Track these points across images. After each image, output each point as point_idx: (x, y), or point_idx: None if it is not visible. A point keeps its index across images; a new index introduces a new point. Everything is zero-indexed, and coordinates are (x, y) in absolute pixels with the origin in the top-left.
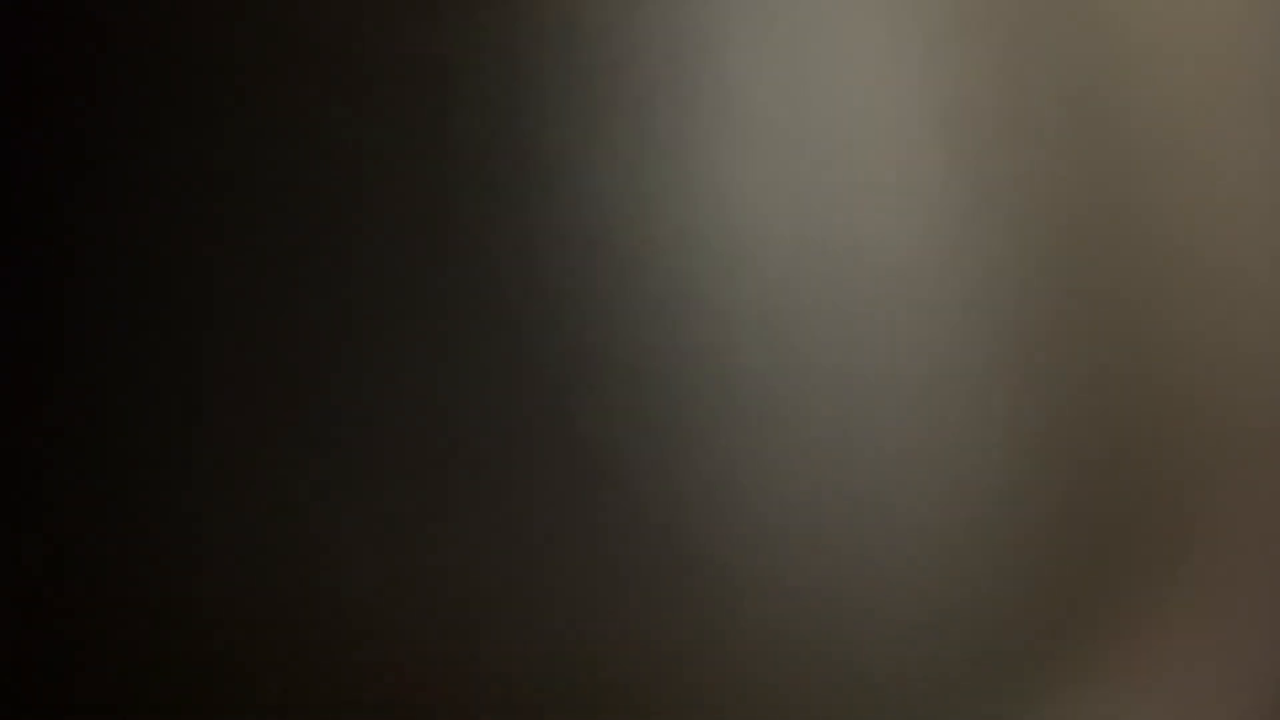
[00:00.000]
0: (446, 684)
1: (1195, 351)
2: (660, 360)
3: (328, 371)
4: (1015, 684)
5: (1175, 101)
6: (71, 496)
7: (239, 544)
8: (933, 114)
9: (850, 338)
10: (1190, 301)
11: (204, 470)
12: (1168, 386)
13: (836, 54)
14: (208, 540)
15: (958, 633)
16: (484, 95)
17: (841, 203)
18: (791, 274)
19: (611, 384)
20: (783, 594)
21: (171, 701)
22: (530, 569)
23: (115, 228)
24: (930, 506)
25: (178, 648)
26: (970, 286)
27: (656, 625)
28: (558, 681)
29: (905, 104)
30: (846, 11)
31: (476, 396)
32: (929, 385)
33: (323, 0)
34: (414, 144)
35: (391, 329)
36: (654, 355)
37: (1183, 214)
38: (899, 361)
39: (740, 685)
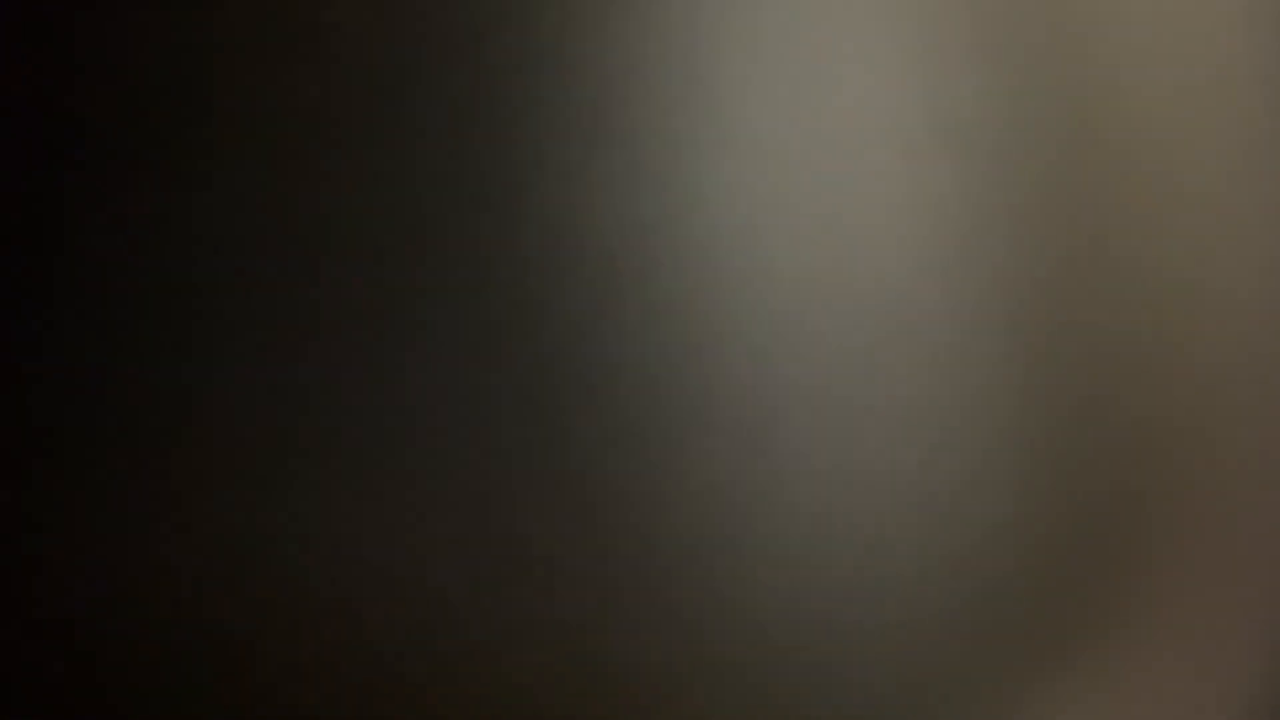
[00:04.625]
0: (440, 685)
1: (1191, 368)
2: (657, 374)
3: (321, 377)
4: (1009, 693)
5: (1176, 122)
6: (68, 495)
7: (235, 543)
8: (932, 133)
9: (847, 354)
10: (1186, 321)
11: (199, 471)
12: (1162, 403)
13: (836, 72)
14: (203, 540)
15: (950, 644)
16: (480, 110)
17: (839, 219)
18: (789, 290)
19: (609, 402)
20: (777, 608)
21: (165, 699)
22: (524, 582)
23: (112, 227)
24: (925, 523)
25: (169, 645)
26: (968, 304)
27: (651, 635)
28: (554, 690)
29: (905, 124)
30: (847, 29)
31: (473, 410)
32: (925, 402)
33: (322, 14)
34: (411, 155)
35: (386, 338)
36: (651, 370)
37: (1182, 234)
38: (896, 378)
39: (735, 695)
